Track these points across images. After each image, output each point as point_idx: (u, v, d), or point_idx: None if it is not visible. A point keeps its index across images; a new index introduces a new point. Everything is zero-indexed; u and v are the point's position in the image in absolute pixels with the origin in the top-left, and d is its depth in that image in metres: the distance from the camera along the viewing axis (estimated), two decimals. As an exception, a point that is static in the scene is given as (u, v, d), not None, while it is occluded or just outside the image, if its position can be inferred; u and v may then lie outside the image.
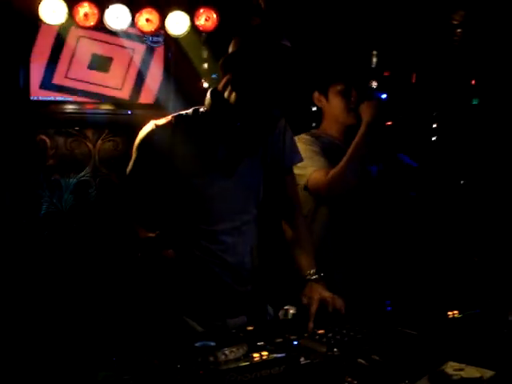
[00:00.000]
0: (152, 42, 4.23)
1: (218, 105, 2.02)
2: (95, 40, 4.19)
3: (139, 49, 4.30)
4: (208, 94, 2.06)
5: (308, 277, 2.10)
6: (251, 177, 2.12)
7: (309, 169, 2.61)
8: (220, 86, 2.04)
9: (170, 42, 4.24)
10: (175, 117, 2.06)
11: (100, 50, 4.22)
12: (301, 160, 2.29)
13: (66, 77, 4.22)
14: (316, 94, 2.81)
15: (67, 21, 3.70)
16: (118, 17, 3.78)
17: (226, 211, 2.07)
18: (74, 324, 3.65)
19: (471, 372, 1.65)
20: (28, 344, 3.22)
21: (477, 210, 3.80)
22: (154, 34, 4.10)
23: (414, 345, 1.76)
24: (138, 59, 4.29)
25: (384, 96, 2.74)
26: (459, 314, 1.98)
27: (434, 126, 4.44)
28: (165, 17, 3.92)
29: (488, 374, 1.64)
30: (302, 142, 2.68)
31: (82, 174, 4.37)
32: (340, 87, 2.73)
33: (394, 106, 2.77)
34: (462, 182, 4.11)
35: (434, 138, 4.44)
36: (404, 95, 4.17)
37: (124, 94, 4.36)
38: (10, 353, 2.73)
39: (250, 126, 1.99)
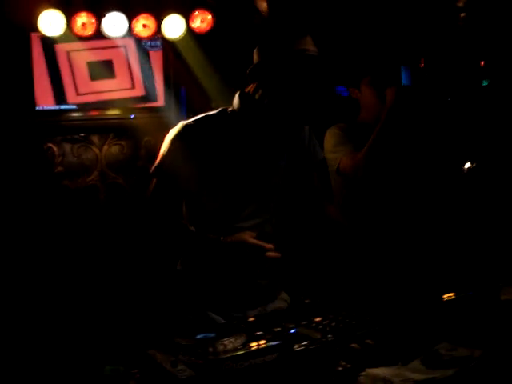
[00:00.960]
0: (150, 46, 4.31)
1: (248, 106, 2.11)
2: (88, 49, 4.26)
3: (134, 50, 4.39)
4: (236, 97, 2.15)
5: None
6: (275, 176, 2.20)
7: (339, 153, 2.80)
8: (250, 89, 2.13)
9: (168, 46, 4.32)
10: (203, 118, 2.13)
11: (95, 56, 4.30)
12: (323, 156, 2.43)
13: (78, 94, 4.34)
14: (351, 88, 2.94)
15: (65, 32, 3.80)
16: (115, 24, 3.86)
17: (252, 209, 2.14)
18: (83, 320, 3.75)
19: (462, 351, 1.72)
20: (35, 339, 3.31)
21: (480, 194, 3.84)
22: (152, 38, 4.18)
23: (409, 328, 1.83)
24: (134, 60, 4.38)
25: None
26: (454, 296, 2.03)
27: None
28: (161, 21, 4.00)
29: (478, 352, 1.71)
30: (336, 128, 2.87)
31: (90, 178, 4.48)
32: (369, 78, 2.85)
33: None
34: (467, 165, 4.14)
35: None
36: (413, 80, 4.20)
37: (138, 91, 4.45)
38: (14, 347, 2.83)
39: (282, 126, 2.09)
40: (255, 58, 2.11)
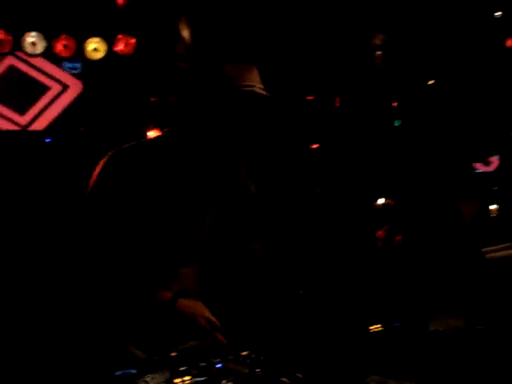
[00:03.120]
0: (70, 68, 4.19)
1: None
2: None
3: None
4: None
5: None
6: (210, 208, 2.13)
7: None
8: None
9: (88, 68, 4.19)
10: (138, 144, 2.04)
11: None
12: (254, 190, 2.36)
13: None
14: None
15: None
16: (34, 42, 3.76)
17: (186, 242, 2.06)
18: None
19: (392, 384, 1.70)
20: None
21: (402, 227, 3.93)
22: (72, 60, 4.07)
23: (337, 360, 1.80)
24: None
25: None
26: (381, 327, 2.03)
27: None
28: (83, 42, 3.93)
29: (407, 385, 1.69)
30: None
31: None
32: None
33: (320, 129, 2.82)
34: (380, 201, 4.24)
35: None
36: (329, 119, 4.30)
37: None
38: None
39: (218, 161, 2.01)
40: None
